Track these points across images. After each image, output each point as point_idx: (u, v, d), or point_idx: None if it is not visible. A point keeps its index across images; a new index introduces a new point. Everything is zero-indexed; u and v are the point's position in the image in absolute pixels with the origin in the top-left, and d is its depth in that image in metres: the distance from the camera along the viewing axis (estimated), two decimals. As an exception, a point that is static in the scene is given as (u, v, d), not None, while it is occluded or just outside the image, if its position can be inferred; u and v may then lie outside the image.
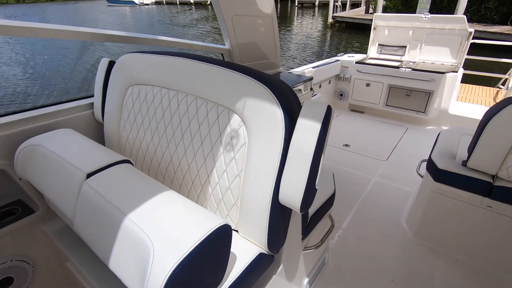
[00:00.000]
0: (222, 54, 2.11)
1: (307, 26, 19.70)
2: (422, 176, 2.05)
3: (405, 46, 3.99)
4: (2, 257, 1.30)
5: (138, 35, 1.58)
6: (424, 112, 3.70)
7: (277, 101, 0.90)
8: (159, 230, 0.72)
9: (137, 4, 42.25)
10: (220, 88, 1.04)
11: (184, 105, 1.13)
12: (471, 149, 1.60)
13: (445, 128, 3.27)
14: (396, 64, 3.80)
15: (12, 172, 1.24)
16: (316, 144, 0.85)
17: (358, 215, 2.23)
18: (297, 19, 24.31)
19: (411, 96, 3.72)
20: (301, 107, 0.92)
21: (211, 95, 1.06)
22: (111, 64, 1.44)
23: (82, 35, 1.35)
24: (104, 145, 1.46)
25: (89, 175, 0.94)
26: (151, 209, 0.79)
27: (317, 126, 0.84)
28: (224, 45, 2.09)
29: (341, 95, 4.34)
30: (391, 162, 2.96)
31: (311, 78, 2.63)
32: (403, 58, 4.02)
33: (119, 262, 0.76)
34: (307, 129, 0.86)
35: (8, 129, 1.22)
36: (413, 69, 3.57)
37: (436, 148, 1.94)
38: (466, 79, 4.16)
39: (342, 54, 4.51)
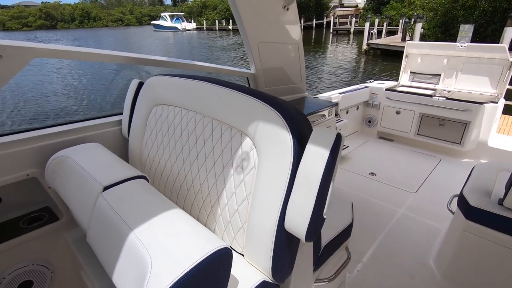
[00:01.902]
0: (247, 78, 2.18)
1: (341, 52, 19.80)
2: (453, 213, 1.89)
3: (439, 75, 3.84)
4: (25, 260, 1.39)
5: (169, 59, 1.69)
6: (460, 144, 3.47)
7: (287, 127, 0.91)
8: (160, 248, 0.73)
9: (179, 29, 45.53)
10: (235, 111, 1.07)
11: (200, 126, 1.17)
12: (509, 186, 1.46)
13: (483, 161, 3.04)
14: (429, 92, 3.66)
15: (43, 181, 1.35)
16: (324, 172, 0.83)
17: (381, 249, 2.09)
18: (331, 45, 24.57)
19: (445, 126, 3.53)
20: (309, 131, 0.92)
21: (226, 118, 1.09)
22: (140, 85, 1.55)
23: (117, 58, 1.48)
24: (127, 160, 1.55)
25: (106, 188, 0.99)
26: (156, 227, 0.81)
27: (325, 153, 0.83)
28: (250, 69, 2.17)
29: (369, 121, 4.23)
30: (420, 195, 2.77)
31: (336, 104, 2.61)
32: (437, 87, 3.87)
33: (120, 276, 0.78)
34: (315, 156, 0.85)
35: (43, 141, 1.34)
36: (447, 98, 3.41)
37: (469, 183, 1.80)
38: (508, 111, 3.87)
39: (371, 80, 4.44)
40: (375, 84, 4.15)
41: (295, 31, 2.19)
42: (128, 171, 1.10)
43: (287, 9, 1.97)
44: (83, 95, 9.87)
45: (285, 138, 0.91)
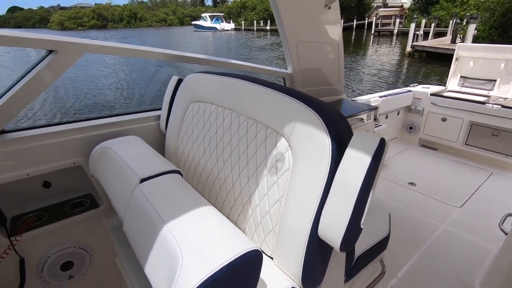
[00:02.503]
0: (284, 78, 2.15)
1: (383, 54, 18.92)
2: (506, 233, 1.70)
3: (495, 80, 3.50)
4: (68, 243, 1.49)
5: (207, 57, 1.72)
6: None
7: (326, 128, 0.87)
8: (191, 244, 0.73)
9: (218, 30, 46.63)
10: (271, 111, 1.05)
11: (236, 124, 1.17)
12: None
13: None
14: (482, 99, 3.34)
15: (87, 169, 1.44)
16: (364, 178, 0.78)
17: (419, 266, 1.94)
18: (372, 47, 23.61)
19: (498, 137, 3.21)
20: (349, 135, 0.87)
21: (262, 117, 1.07)
22: (179, 81, 1.59)
23: (158, 55, 1.53)
24: (164, 154, 1.60)
25: (143, 180, 1.02)
26: (188, 222, 0.82)
27: (367, 159, 0.78)
28: (287, 69, 2.14)
29: (410, 128, 3.98)
30: (466, 210, 2.54)
31: (375, 108, 2.48)
32: (491, 93, 3.52)
33: (152, 268, 0.80)
34: (355, 161, 0.80)
35: (89, 132, 1.42)
36: (503, 106, 3.09)
37: None
38: None
39: (415, 84, 4.17)
40: (419, 89, 3.89)
41: (336, 30, 2.12)
42: (164, 165, 1.13)
43: (329, 7, 1.90)
44: (129, 90, 10.46)
45: (323, 141, 0.87)
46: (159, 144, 1.63)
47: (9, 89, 1.17)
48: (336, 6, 1.93)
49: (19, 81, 1.18)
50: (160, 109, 1.66)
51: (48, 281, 1.47)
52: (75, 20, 64.72)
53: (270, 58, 18.03)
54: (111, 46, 1.32)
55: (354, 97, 3.28)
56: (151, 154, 1.24)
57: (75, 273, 1.55)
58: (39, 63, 1.19)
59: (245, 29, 48.16)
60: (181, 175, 1.13)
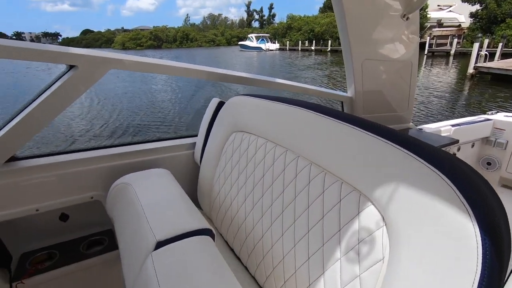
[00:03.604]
0: (342, 103, 1.80)
1: (438, 76, 17.47)
2: None
3: None
4: None
5: (252, 76, 1.45)
6: None
7: (467, 207, 0.49)
8: None
9: (263, 49, 47.77)
10: (349, 158, 0.71)
11: (292, 170, 0.85)
12: None
13: None
14: None
15: (106, 205, 1.21)
16: None
17: None
18: (425, 68, 22.08)
19: None
20: (507, 221, 0.49)
21: (333, 165, 0.74)
22: (220, 104, 1.33)
23: (195, 73, 1.29)
24: (197, 192, 1.33)
25: (160, 245, 0.74)
26: None
27: None
28: (346, 92, 1.79)
29: (488, 164, 3.30)
30: None
31: (456, 141, 2.00)
32: None
33: None
34: None
35: (109, 161, 1.21)
36: None
37: None
38: None
39: (494, 112, 3.51)
40: (500, 117, 3.24)
41: (411, 46, 1.73)
42: (192, 220, 0.85)
43: (407, 18, 1.54)
44: (164, 111, 9.66)
45: (463, 229, 0.49)
46: (192, 178, 1.37)
47: (22, 110, 0.99)
48: (415, 16, 1.56)
49: (34, 100, 0.99)
50: (196, 135, 1.41)
51: None
52: (134, 41, 71.28)
53: (318, 76, 17.49)
54: (141, 62, 1.11)
55: (418, 125, 2.78)
56: (177, 199, 0.97)
57: None
58: (57, 80, 1.00)
59: (289, 49, 48.74)
60: (212, 235, 0.83)
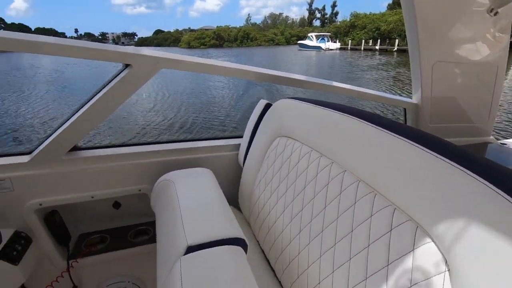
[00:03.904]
0: (405, 110, 1.61)
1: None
2: None
3: None
4: (123, 276, 1.34)
5: (304, 78, 1.37)
6: None
7: None
8: None
9: (323, 49, 46.40)
10: (408, 181, 0.60)
11: (336, 185, 0.76)
12: None
13: None
14: None
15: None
16: None
17: None
18: (513, 71, 18.97)
19: None
20: None
21: (386, 187, 0.63)
22: (267, 107, 1.28)
23: (246, 74, 1.26)
24: (237, 193, 1.30)
25: (190, 250, 0.73)
26: None
27: None
28: (411, 97, 1.59)
29: None
30: None
31: None
32: None
33: None
34: None
35: (156, 157, 1.25)
36: None
37: None
38: None
39: None
40: None
41: (498, 46, 1.46)
42: (226, 227, 0.82)
43: (495, 13, 1.29)
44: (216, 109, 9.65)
45: None
46: (235, 180, 1.34)
47: (84, 105, 1.08)
48: (507, 11, 1.30)
49: (93, 97, 1.07)
50: (241, 137, 1.39)
51: None
52: (199, 40, 75.62)
53: (383, 78, 16.12)
54: (191, 61, 1.11)
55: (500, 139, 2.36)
56: (216, 202, 0.95)
57: None
58: (114, 78, 1.06)
59: (351, 49, 46.53)
60: (245, 246, 0.79)
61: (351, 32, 51.08)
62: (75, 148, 1.18)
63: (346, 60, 29.48)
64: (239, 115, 8.51)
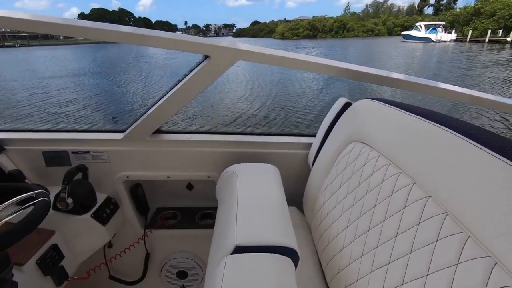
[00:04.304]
0: None
1: None
2: None
3: None
4: (187, 253, 1.44)
5: (395, 75, 1.17)
6: None
7: None
8: None
9: (432, 41, 40.15)
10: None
11: (415, 212, 0.61)
12: None
13: None
14: None
15: None
16: None
17: None
18: None
19: None
20: None
21: (483, 228, 0.48)
22: (346, 106, 1.15)
23: (327, 69, 1.15)
24: (302, 194, 1.23)
25: (238, 249, 0.71)
26: None
27: None
28: None
29: None
30: None
31: None
32: None
33: None
34: None
35: (226, 147, 1.28)
36: None
37: None
38: None
39: None
40: None
41: None
42: (280, 233, 0.77)
43: None
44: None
45: None
46: (302, 181, 1.27)
47: (167, 93, 1.16)
48: None
49: (175, 85, 1.14)
50: (313, 135, 1.29)
51: (164, 282, 1.49)
52: (292, 31, 75.50)
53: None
54: (267, 54, 1.07)
55: None
56: (276, 203, 0.90)
57: (187, 285, 1.50)
58: (194, 68, 1.11)
59: (470, 41, 39.01)
60: (296, 259, 0.72)
61: (473, 21, 42.66)
62: (158, 131, 1.29)
63: (463, 53, 24.87)
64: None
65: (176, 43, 1.02)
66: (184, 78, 1.13)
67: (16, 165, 1.24)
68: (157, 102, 1.19)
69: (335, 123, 1.16)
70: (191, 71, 1.12)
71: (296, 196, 1.28)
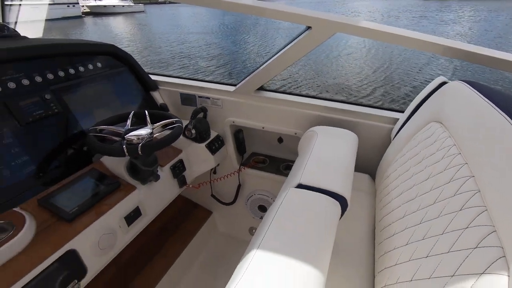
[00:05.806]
0: None
1: None
2: None
3: None
4: (268, 192, 1.75)
5: None
6: None
7: None
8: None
9: None
10: None
11: (458, 201, 0.67)
12: None
13: None
14: None
15: None
16: None
17: None
18: None
19: None
20: None
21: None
22: (441, 85, 1.11)
23: (433, 47, 1.11)
24: (377, 166, 1.30)
25: (300, 186, 0.92)
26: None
27: None
28: None
29: None
30: None
31: None
32: None
33: None
34: None
35: (315, 110, 1.43)
36: None
37: None
38: None
39: None
40: None
41: None
42: (336, 183, 0.93)
43: None
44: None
45: None
46: (379, 152, 1.33)
47: (272, 56, 1.38)
48: None
49: (278, 52, 1.34)
50: (401, 111, 1.30)
51: (248, 210, 1.87)
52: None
53: None
54: (368, 28, 1.11)
55: None
56: (342, 162, 1.05)
57: None
58: (296, 37, 1.27)
59: None
60: (345, 205, 0.88)
61: None
62: (261, 88, 1.55)
63: None
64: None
65: (282, 14, 1.18)
66: (286, 46, 1.32)
67: (163, 100, 1.75)
68: (262, 65, 1.43)
69: (425, 101, 1.15)
70: (293, 40, 1.29)
71: (371, 165, 1.36)
